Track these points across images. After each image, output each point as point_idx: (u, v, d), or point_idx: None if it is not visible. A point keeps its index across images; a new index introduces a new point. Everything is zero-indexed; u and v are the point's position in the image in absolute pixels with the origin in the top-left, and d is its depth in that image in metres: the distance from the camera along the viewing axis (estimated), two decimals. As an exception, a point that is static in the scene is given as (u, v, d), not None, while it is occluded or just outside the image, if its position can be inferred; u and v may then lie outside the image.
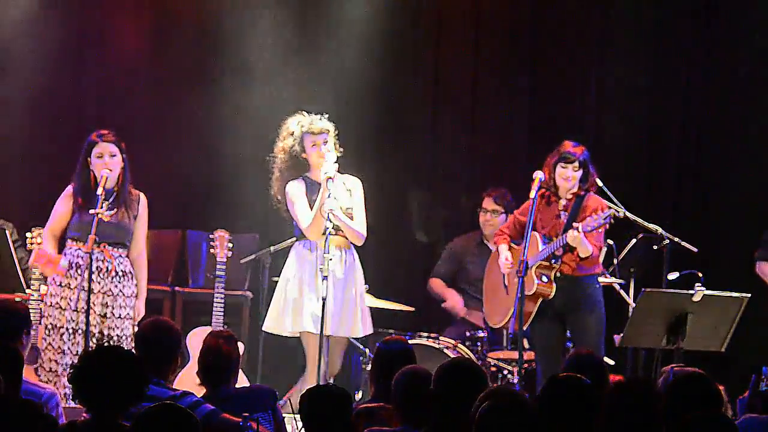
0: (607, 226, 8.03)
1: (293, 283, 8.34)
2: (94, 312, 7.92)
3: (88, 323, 7.74)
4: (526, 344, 8.53)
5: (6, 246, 8.50)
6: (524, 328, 8.07)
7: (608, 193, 8.67)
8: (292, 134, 8.43)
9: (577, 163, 8.18)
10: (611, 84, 10.39)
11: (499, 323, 8.49)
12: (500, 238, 8.45)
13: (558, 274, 8.14)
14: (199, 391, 6.28)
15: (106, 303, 8.00)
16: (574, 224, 7.99)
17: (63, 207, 8.10)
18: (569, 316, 8.17)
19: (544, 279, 8.10)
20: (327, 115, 8.45)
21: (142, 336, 6.34)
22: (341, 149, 8.43)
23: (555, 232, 8.17)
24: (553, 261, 8.12)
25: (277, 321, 8.39)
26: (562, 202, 8.24)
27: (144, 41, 10.42)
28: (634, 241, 9.20)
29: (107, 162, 8.01)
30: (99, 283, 7.98)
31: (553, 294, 8.11)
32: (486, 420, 4.77)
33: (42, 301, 8.42)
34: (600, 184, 8.47)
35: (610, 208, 8.08)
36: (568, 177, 8.17)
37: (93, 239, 7.72)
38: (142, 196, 8.21)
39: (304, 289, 8.30)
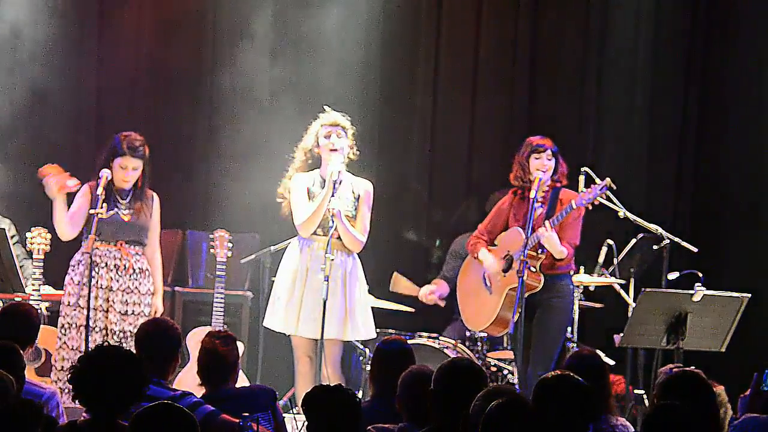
0: (605, 196, 8.07)
1: (279, 281, 8.35)
2: (114, 310, 7.98)
3: (88, 320, 7.77)
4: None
5: (6, 246, 8.49)
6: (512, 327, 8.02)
7: (610, 195, 8.67)
8: (311, 133, 8.38)
9: (549, 152, 8.18)
10: (611, 84, 10.39)
11: (482, 325, 8.39)
12: (479, 245, 8.38)
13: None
14: (199, 391, 6.28)
15: (126, 300, 8.07)
16: (545, 223, 7.98)
17: (82, 203, 8.11)
18: (537, 311, 8.11)
19: (532, 269, 8.06)
20: (348, 116, 8.41)
21: (142, 336, 6.34)
22: (357, 152, 8.38)
23: (532, 224, 8.13)
24: (540, 251, 8.09)
25: (269, 317, 8.39)
26: (539, 194, 8.20)
27: (144, 40, 10.42)
28: (634, 241, 9.20)
29: (129, 175, 8.08)
30: (118, 281, 8.08)
31: (540, 286, 8.07)
32: (494, 420, 4.73)
33: (42, 300, 8.46)
34: (602, 183, 8.46)
35: (596, 186, 8.06)
36: (544, 166, 8.16)
37: (93, 238, 7.78)
38: (155, 195, 8.32)
39: (282, 291, 8.29)
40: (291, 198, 8.32)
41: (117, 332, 7.99)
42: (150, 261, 8.25)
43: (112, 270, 8.03)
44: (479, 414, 4.82)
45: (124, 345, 7.80)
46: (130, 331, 8.00)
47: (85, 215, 8.09)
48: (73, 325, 8.01)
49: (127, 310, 8.07)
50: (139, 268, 8.15)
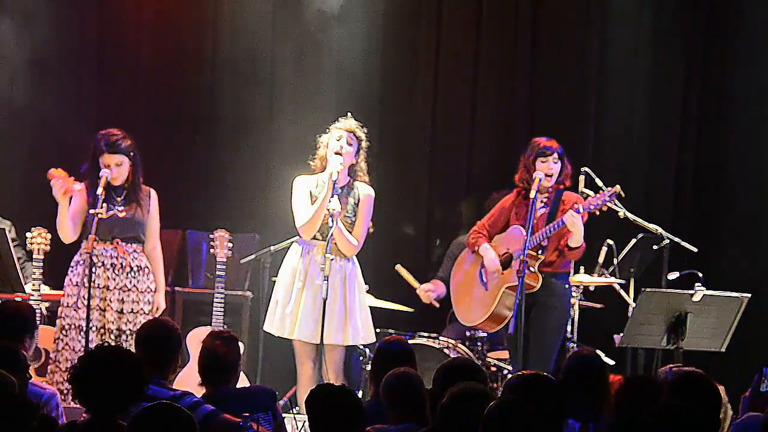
0: (613, 204, 8.04)
1: (278, 285, 8.35)
2: (111, 309, 7.98)
3: (88, 320, 7.77)
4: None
5: (6, 245, 8.50)
6: (506, 325, 8.01)
7: (608, 192, 8.65)
8: (328, 134, 8.36)
9: (555, 155, 8.17)
10: (611, 84, 10.39)
11: (476, 320, 8.38)
12: (480, 239, 8.37)
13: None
14: (199, 391, 6.28)
15: (122, 299, 8.06)
16: (575, 206, 7.99)
17: (79, 202, 8.11)
18: (533, 311, 8.10)
19: (531, 269, 8.05)
20: (364, 127, 8.40)
21: (142, 336, 6.34)
22: (365, 165, 8.35)
23: (533, 225, 8.13)
24: (540, 252, 8.09)
25: (267, 321, 8.39)
26: (542, 196, 8.20)
27: (144, 40, 10.41)
28: (634, 241, 9.20)
29: (113, 172, 8.04)
30: (114, 279, 8.05)
31: (538, 287, 8.06)
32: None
33: (42, 300, 8.45)
34: (603, 185, 8.46)
35: (605, 192, 8.04)
36: (550, 170, 8.15)
37: (93, 239, 7.78)
38: (152, 191, 8.27)
39: (281, 294, 8.28)
40: (292, 200, 8.31)
41: (114, 331, 7.97)
42: (150, 257, 8.21)
43: (108, 269, 8.02)
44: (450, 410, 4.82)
45: (122, 344, 7.82)
46: (129, 330, 7.99)
47: (83, 213, 8.08)
48: (73, 326, 8.00)
49: (123, 309, 8.05)
50: (137, 266, 8.12)
